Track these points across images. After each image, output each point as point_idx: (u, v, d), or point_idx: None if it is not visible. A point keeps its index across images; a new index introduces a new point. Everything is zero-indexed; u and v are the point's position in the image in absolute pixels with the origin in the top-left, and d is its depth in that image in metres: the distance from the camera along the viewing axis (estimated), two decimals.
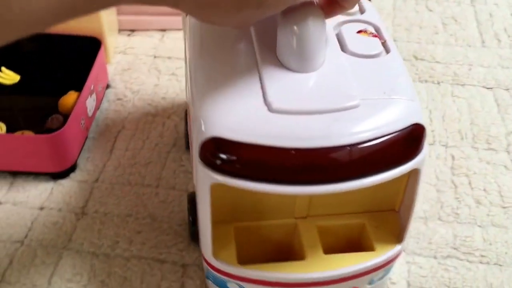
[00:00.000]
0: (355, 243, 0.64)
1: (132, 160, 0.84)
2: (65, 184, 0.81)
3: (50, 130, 0.79)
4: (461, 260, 0.71)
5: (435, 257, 0.72)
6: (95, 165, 0.83)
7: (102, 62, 0.91)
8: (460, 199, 0.78)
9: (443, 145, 0.86)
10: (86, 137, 0.86)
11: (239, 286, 0.63)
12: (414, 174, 0.56)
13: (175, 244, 0.74)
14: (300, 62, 0.54)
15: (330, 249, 0.62)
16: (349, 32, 0.60)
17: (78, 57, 0.91)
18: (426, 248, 0.73)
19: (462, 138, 0.87)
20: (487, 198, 0.78)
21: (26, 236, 0.74)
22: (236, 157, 0.51)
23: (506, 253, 0.72)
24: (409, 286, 0.69)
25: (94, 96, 0.87)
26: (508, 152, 0.84)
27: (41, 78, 0.94)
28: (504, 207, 0.77)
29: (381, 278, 0.65)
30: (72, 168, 0.82)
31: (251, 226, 0.65)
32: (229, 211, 0.64)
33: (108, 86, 0.95)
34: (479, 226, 0.75)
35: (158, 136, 0.87)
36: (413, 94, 0.55)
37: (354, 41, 0.58)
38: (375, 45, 0.58)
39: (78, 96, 0.82)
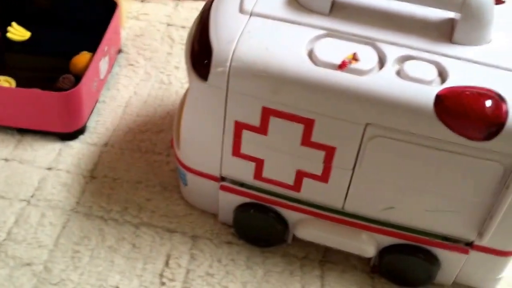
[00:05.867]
0: None
1: (143, 127, 0.82)
2: (74, 146, 0.78)
3: (61, 90, 0.76)
4: None
5: None
6: (105, 129, 0.81)
7: (117, 25, 0.88)
8: None
9: None
10: (97, 100, 0.84)
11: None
12: None
13: (186, 216, 0.72)
14: None
15: None
16: None
17: (91, 18, 0.88)
18: None
19: None
20: None
21: (32, 196, 0.72)
22: None
23: None
24: None
25: (107, 58, 0.84)
26: None
27: (52, 38, 0.90)
28: None
29: None
30: (81, 130, 0.79)
31: None
32: None
33: (120, 51, 0.92)
34: None
35: (171, 104, 0.85)
36: None
37: None
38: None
39: (92, 57, 0.80)
